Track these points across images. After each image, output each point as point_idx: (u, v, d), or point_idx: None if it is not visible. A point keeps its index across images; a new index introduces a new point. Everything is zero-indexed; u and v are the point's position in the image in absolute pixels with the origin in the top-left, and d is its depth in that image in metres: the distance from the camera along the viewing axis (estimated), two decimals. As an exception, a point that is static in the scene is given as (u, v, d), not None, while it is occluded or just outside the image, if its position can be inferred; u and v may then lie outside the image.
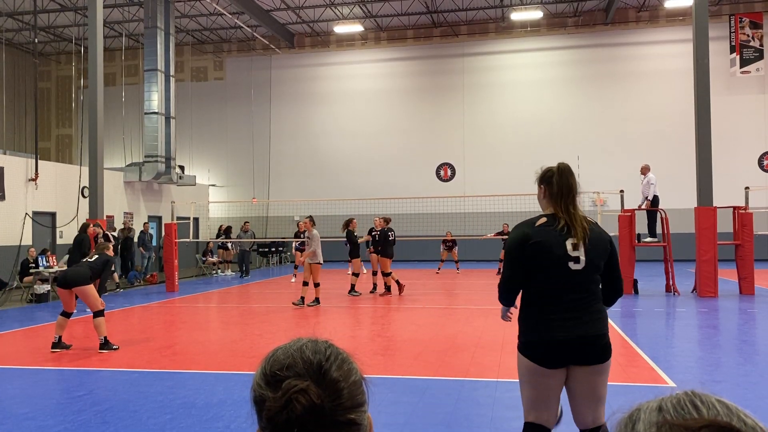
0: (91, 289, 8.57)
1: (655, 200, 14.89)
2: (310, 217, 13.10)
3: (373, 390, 1.05)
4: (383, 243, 14.68)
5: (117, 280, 17.17)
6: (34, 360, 8.19)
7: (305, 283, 13.00)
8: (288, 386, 0.96)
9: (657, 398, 0.79)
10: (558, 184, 3.22)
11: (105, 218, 17.00)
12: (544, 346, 3.14)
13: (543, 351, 3.14)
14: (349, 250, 15.27)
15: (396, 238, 15.08)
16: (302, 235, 18.74)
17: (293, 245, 19.24)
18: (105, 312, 8.75)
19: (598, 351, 3.14)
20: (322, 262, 13.09)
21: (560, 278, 3.12)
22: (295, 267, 19.44)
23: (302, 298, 12.91)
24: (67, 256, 14.91)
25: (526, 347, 3.21)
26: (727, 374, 6.91)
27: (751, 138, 25.06)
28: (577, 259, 3.11)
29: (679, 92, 24.98)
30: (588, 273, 3.14)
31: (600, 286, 3.26)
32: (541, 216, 3.26)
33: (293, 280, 18.84)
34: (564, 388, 3.26)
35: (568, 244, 3.11)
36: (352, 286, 14.87)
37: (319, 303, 13.01)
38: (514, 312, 3.56)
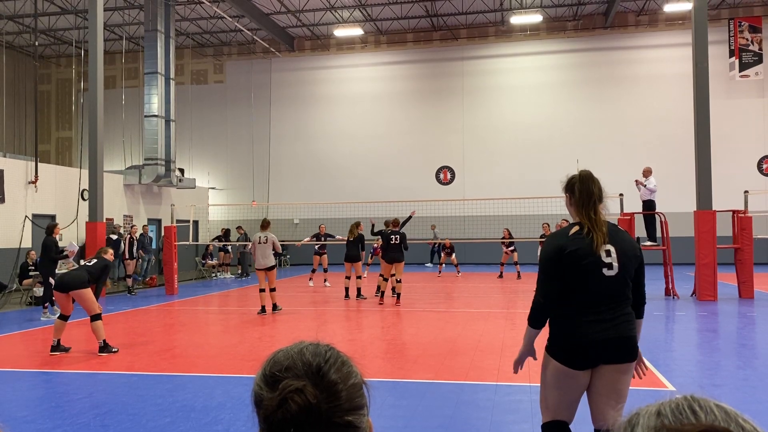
0: (89, 293, 8.54)
1: (651, 205, 14.87)
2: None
3: (372, 393, 1.05)
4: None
5: (109, 286, 17.17)
6: (32, 363, 8.18)
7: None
8: (284, 386, 0.97)
9: (656, 403, 0.79)
10: (579, 191, 3.28)
11: (105, 221, 17.00)
12: (580, 348, 3.18)
13: (577, 353, 3.18)
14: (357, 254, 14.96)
15: (396, 243, 14.19)
16: (323, 238, 18.55)
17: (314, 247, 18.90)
18: (104, 315, 8.74)
19: (629, 349, 3.20)
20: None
21: (595, 285, 3.17)
22: (313, 270, 19.23)
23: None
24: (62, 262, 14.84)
25: (560, 351, 3.23)
26: (727, 378, 6.91)
27: (751, 142, 25.09)
28: (610, 266, 3.16)
29: (678, 96, 25.02)
30: (621, 278, 3.20)
31: (631, 291, 3.30)
32: (573, 225, 3.30)
33: (328, 284, 18.19)
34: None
35: (602, 251, 3.17)
36: (359, 290, 14.76)
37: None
38: (531, 361, 3.57)
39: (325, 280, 18.22)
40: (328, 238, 18.54)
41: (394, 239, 13.72)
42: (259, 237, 12.49)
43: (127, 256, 17.78)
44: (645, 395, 6.05)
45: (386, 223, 14.53)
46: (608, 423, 3.24)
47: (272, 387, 0.99)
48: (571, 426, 3.34)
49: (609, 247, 3.17)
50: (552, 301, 3.26)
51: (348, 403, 0.99)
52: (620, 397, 3.25)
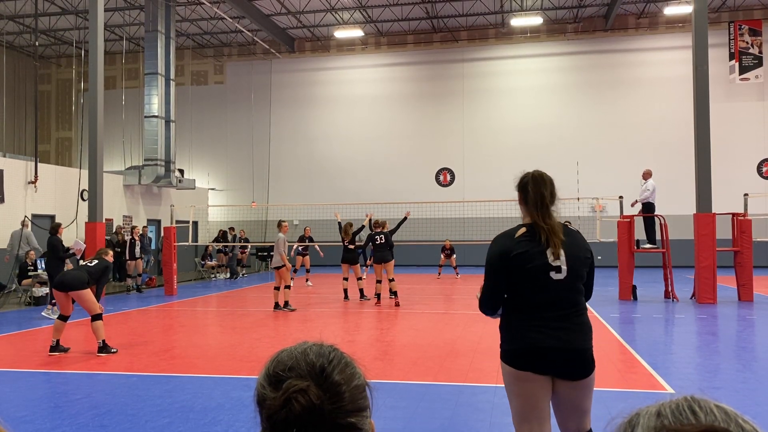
0: (88, 293, 8.53)
1: (650, 207, 14.88)
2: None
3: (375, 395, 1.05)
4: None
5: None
6: (32, 363, 8.17)
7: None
8: (288, 386, 0.97)
9: (656, 403, 0.79)
10: (533, 192, 3.16)
11: (104, 221, 16.99)
12: (528, 353, 3.07)
13: (527, 357, 3.08)
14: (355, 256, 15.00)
15: (381, 242, 14.05)
16: (306, 240, 18.88)
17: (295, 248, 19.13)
18: (104, 315, 8.73)
19: (581, 365, 3.10)
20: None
21: (542, 289, 3.07)
22: (295, 270, 19.30)
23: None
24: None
25: (509, 355, 3.13)
26: (726, 381, 6.91)
27: (750, 145, 25.10)
28: (558, 269, 3.07)
29: (678, 99, 25.04)
30: (570, 283, 3.09)
31: (583, 296, 3.21)
32: (520, 226, 3.19)
33: (309, 283, 18.80)
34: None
35: (549, 253, 3.06)
36: (361, 291, 14.78)
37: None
38: None
39: (307, 280, 19.07)
40: (310, 241, 19.31)
41: (379, 239, 13.90)
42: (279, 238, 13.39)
43: (128, 257, 17.80)
44: (644, 398, 6.05)
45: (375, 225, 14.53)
46: (569, 430, 3.23)
47: (276, 387, 0.99)
48: None
49: (559, 250, 3.07)
50: (498, 299, 3.17)
51: (351, 404, 0.99)
52: (582, 412, 3.17)
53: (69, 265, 12.83)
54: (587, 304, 3.30)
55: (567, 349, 3.05)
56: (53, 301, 12.52)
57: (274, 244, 13.35)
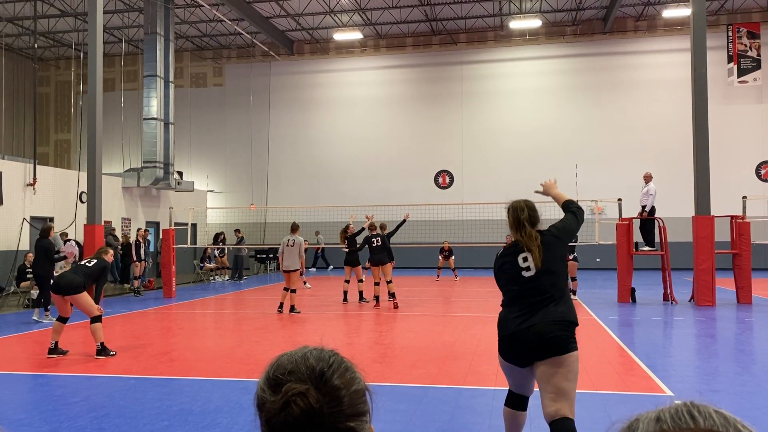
0: (85, 297, 8.45)
1: (651, 210, 14.90)
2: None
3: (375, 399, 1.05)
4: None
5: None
6: (30, 365, 8.16)
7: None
8: (287, 389, 0.97)
9: (656, 409, 0.80)
10: (512, 217, 4.05)
11: (103, 223, 16.99)
12: (504, 340, 3.89)
13: (504, 344, 3.90)
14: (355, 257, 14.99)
15: (378, 245, 14.06)
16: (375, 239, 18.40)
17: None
18: (103, 318, 8.68)
19: (552, 346, 3.71)
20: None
21: (516, 285, 3.91)
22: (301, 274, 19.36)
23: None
24: (63, 262, 14.84)
25: (499, 342, 3.97)
26: (725, 383, 6.91)
27: (749, 147, 25.13)
28: (527, 268, 3.88)
29: (676, 101, 25.07)
30: (539, 278, 3.85)
31: (560, 290, 3.88)
32: (514, 242, 4.06)
33: (308, 285, 18.74)
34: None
35: (519, 258, 3.91)
36: (360, 293, 14.79)
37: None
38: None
39: (305, 282, 18.86)
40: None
41: (375, 242, 13.93)
42: (288, 240, 13.08)
43: (135, 259, 17.83)
44: (643, 401, 6.06)
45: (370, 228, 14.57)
46: (548, 415, 3.71)
47: (275, 390, 0.99)
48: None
49: (526, 254, 3.90)
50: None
51: (350, 408, 0.99)
52: (557, 391, 3.69)
53: (68, 266, 12.79)
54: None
55: (538, 333, 3.73)
56: (48, 306, 12.46)
57: (286, 246, 13.04)
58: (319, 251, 26.40)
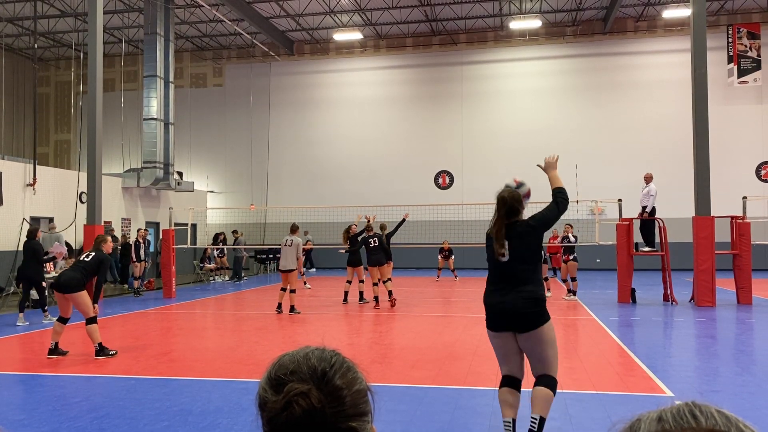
0: (84, 296, 8.41)
1: (651, 210, 14.89)
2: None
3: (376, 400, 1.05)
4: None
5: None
6: (30, 366, 8.16)
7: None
8: (289, 389, 0.97)
9: (657, 409, 0.80)
10: (496, 208, 4.59)
11: (103, 223, 16.99)
12: (488, 311, 4.57)
13: (488, 316, 4.58)
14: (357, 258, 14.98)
15: (375, 246, 14.13)
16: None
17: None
18: (102, 318, 8.66)
19: (526, 322, 4.41)
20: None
21: (494, 267, 4.61)
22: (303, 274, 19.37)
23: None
24: (63, 262, 14.83)
25: (485, 312, 4.61)
26: (725, 384, 6.91)
27: (749, 148, 25.15)
28: (503, 254, 4.51)
29: (677, 102, 25.08)
30: (512, 263, 4.49)
31: (531, 272, 4.48)
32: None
33: (308, 286, 18.77)
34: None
35: (497, 245, 4.53)
36: (361, 294, 14.80)
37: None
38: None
39: (305, 283, 18.89)
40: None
41: (372, 242, 14.03)
42: (286, 240, 13.12)
43: (134, 259, 17.83)
44: (644, 401, 6.06)
45: (367, 229, 14.62)
46: (534, 373, 4.52)
47: (277, 390, 0.99)
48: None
49: (505, 241, 4.49)
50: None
51: (352, 408, 0.99)
52: (539, 358, 4.48)
53: (68, 264, 12.76)
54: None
55: (513, 310, 4.42)
56: (40, 305, 12.41)
57: (285, 247, 13.07)
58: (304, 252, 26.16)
